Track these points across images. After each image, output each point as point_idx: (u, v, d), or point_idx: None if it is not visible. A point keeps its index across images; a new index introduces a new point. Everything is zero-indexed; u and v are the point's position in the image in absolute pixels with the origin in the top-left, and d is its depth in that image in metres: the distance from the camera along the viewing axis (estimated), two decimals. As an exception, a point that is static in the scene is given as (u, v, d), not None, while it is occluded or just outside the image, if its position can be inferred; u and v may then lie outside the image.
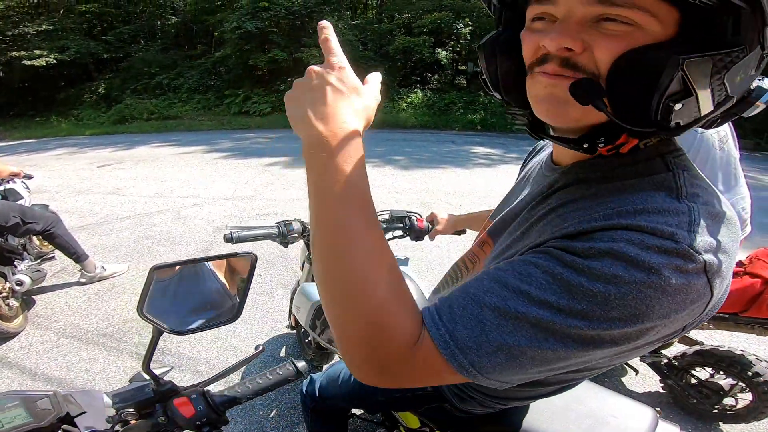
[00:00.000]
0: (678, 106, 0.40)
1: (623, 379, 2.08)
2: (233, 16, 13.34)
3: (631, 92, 0.41)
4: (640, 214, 0.41)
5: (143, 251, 3.66)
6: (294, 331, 2.18)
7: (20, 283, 2.53)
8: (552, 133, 0.52)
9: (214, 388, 0.75)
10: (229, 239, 1.09)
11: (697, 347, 1.75)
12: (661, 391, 1.94)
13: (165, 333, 0.67)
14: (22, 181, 3.02)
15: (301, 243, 1.66)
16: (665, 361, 1.80)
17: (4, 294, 2.48)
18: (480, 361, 0.41)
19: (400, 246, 2.96)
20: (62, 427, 0.60)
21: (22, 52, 13.80)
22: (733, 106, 0.43)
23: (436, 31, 13.20)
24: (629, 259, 0.37)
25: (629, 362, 1.94)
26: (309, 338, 1.96)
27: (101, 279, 3.08)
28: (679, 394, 1.82)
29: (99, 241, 3.87)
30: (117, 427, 0.65)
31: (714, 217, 0.42)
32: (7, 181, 2.81)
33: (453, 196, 5.27)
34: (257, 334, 2.46)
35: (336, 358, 1.87)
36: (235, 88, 13.74)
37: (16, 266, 2.66)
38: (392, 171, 6.60)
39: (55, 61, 14.02)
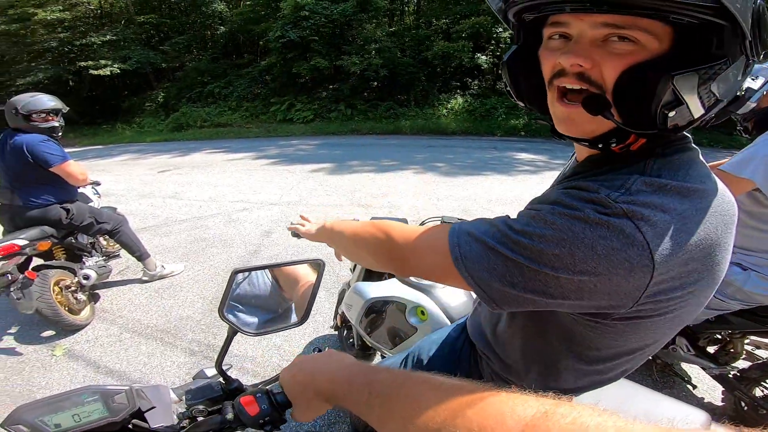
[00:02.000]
0: (672, 114, 0.48)
1: (678, 393, 2.02)
2: (276, 25, 13.80)
3: (633, 103, 0.49)
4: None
5: (198, 252, 3.89)
6: (336, 332, 2.24)
7: (87, 278, 2.77)
8: (571, 135, 0.61)
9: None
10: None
11: None
12: (719, 404, 1.87)
13: (239, 333, 0.71)
14: (91, 186, 3.32)
15: None
16: (734, 373, 1.76)
17: (73, 288, 2.73)
18: (465, 246, 0.57)
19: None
20: (132, 421, 0.62)
21: (90, 62, 14.92)
22: (728, 105, 0.51)
23: (475, 35, 12.98)
24: (563, 202, 0.51)
25: (687, 378, 1.96)
26: (352, 339, 2.00)
27: (161, 277, 3.31)
28: (747, 405, 1.76)
29: (159, 242, 4.16)
30: (184, 423, 0.68)
31: (656, 186, 0.49)
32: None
33: (496, 203, 5.17)
34: (300, 335, 2.53)
35: (378, 356, 1.91)
36: (280, 95, 14.20)
37: (84, 262, 2.93)
38: (433, 178, 6.58)
39: (118, 71, 15.09)
